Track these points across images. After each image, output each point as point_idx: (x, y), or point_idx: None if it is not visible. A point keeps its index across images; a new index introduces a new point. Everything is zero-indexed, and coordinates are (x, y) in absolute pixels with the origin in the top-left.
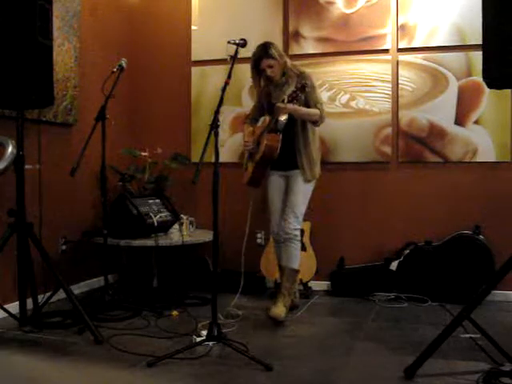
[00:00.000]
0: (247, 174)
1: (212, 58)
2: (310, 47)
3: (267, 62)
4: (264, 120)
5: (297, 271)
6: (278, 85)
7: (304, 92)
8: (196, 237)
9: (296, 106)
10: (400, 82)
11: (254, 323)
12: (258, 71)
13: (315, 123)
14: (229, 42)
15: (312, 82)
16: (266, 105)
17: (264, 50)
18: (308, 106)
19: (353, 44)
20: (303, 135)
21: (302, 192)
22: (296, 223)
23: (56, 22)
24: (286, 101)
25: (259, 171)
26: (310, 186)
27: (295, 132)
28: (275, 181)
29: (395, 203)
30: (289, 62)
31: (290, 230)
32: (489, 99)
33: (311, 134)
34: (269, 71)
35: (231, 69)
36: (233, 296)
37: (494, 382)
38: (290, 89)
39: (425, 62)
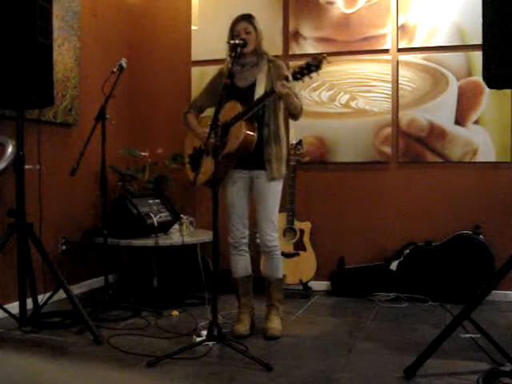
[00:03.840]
0: (205, 171)
1: (212, 58)
2: (310, 47)
3: (245, 26)
4: (233, 105)
5: (283, 278)
6: (245, 64)
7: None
8: (196, 237)
9: (292, 90)
10: (400, 81)
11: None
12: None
13: (295, 116)
14: (229, 43)
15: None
16: (226, 88)
17: (245, 15)
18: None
19: (353, 44)
20: (275, 125)
21: (273, 194)
22: (274, 233)
23: (56, 22)
24: (290, 78)
25: (225, 168)
26: (279, 184)
27: (265, 121)
28: (238, 181)
29: (395, 203)
30: (264, 45)
31: (270, 242)
32: (489, 99)
33: (282, 125)
34: (244, 35)
35: (231, 69)
36: (232, 296)
37: (493, 382)
38: (262, 72)
39: (425, 62)
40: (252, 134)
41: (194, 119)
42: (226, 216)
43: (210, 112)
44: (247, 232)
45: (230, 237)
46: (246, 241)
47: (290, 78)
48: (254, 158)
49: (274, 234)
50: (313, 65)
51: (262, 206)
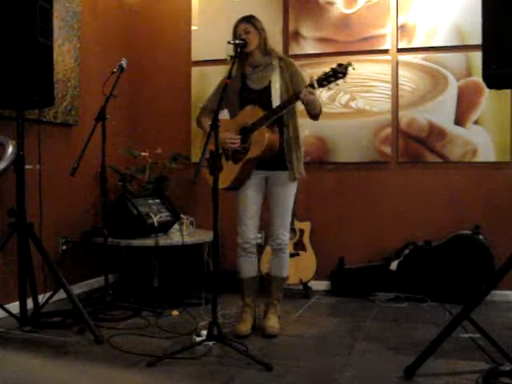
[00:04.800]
0: (226, 176)
1: (212, 58)
2: (309, 47)
3: (244, 26)
4: (253, 110)
5: (287, 278)
6: (258, 65)
7: (329, 80)
8: (196, 237)
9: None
10: (400, 82)
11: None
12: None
13: (315, 117)
14: (229, 42)
15: (299, 69)
16: (238, 91)
17: (245, 16)
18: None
19: (353, 44)
20: (293, 127)
21: (290, 195)
22: (287, 232)
23: (56, 23)
24: (316, 85)
25: (248, 172)
26: (296, 185)
27: (284, 123)
28: (254, 182)
29: (395, 203)
30: (270, 42)
31: (283, 240)
32: (488, 99)
33: (298, 125)
34: (243, 35)
35: (231, 69)
36: (234, 296)
37: (493, 382)
38: (275, 72)
39: (424, 63)
40: (275, 138)
41: (208, 122)
42: (237, 216)
43: (224, 116)
44: (257, 233)
45: (239, 237)
46: (255, 242)
47: (316, 85)
48: (273, 158)
49: (287, 232)
50: (339, 72)
51: (279, 205)
